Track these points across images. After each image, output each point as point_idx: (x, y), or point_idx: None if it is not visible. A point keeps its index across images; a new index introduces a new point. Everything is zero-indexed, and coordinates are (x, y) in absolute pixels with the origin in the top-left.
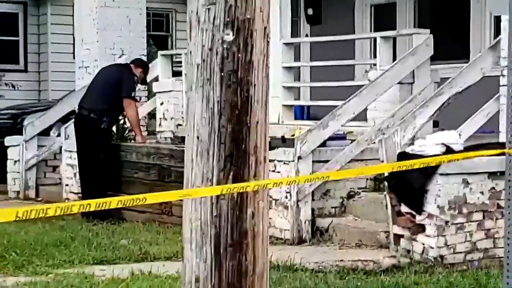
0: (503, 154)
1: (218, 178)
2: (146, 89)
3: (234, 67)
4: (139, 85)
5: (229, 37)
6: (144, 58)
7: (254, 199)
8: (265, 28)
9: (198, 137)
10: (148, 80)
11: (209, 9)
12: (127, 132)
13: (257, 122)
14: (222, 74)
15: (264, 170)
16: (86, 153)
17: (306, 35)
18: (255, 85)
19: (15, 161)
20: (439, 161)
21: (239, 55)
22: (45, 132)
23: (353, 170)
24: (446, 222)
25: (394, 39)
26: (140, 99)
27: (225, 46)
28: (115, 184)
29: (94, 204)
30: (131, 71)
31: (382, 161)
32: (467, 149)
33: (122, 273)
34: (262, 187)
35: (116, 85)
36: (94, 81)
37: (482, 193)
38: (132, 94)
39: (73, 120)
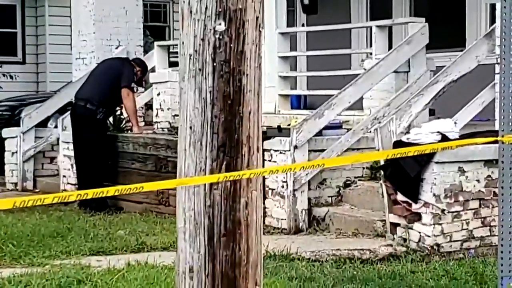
0: (498, 142)
1: (211, 168)
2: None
3: (226, 57)
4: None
5: (221, 27)
6: (141, 49)
7: (247, 188)
8: (257, 18)
9: (191, 128)
10: (144, 82)
11: None
12: (124, 123)
13: (250, 112)
14: (214, 64)
15: (257, 160)
16: (82, 144)
17: (302, 25)
18: (247, 75)
19: (13, 153)
20: (434, 149)
21: (231, 45)
22: (43, 124)
23: (349, 157)
24: (442, 211)
25: (390, 28)
26: (137, 90)
27: (217, 36)
28: (112, 175)
29: (91, 193)
30: (130, 63)
31: (378, 150)
32: (462, 137)
33: (118, 264)
34: (258, 175)
35: (114, 76)
36: (92, 73)
37: (478, 181)
38: (132, 85)
39: (70, 111)
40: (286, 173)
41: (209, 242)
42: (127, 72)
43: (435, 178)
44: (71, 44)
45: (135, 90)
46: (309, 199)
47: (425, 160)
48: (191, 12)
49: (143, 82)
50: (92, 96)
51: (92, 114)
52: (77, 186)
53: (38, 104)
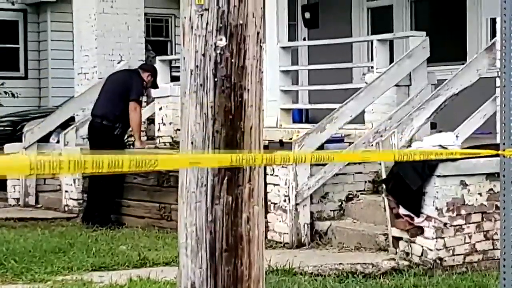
0: (499, 155)
1: (213, 183)
2: (146, 94)
3: (227, 72)
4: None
5: (222, 42)
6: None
7: (249, 204)
8: (257, 33)
9: (192, 143)
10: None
11: (202, 15)
12: (126, 137)
13: (251, 127)
14: (216, 79)
15: (258, 174)
16: None
17: (304, 39)
18: (248, 90)
19: None
20: (437, 154)
21: (232, 60)
22: (45, 139)
23: (357, 153)
24: (445, 224)
25: (391, 42)
26: (147, 100)
27: (218, 51)
28: (120, 190)
29: (107, 163)
30: (139, 75)
31: (380, 163)
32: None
33: (120, 279)
34: (270, 161)
35: (124, 90)
36: (104, 88)
37: (480, 194)
38: (140, 98)
39: (72, 126)
40: (288, 188)
41: (211, 258)
42: (136, 85)
43: (437, 192)
44: (73, 59)
45: (143, 105)
46: (311, 213)
47: (427, 173)
48: (192, 27)
49: (156, 85)
50: (107, 113)
51: (110, 131)
52: (80, 201)
53: (40, 119)
